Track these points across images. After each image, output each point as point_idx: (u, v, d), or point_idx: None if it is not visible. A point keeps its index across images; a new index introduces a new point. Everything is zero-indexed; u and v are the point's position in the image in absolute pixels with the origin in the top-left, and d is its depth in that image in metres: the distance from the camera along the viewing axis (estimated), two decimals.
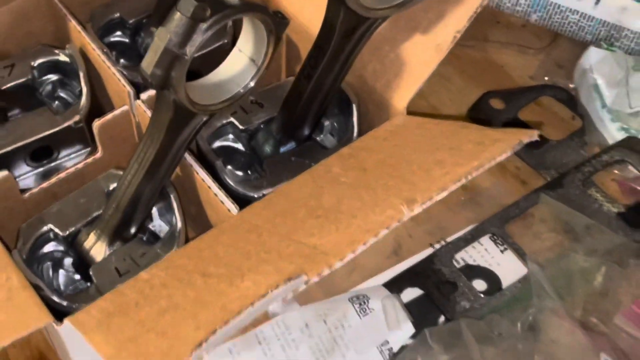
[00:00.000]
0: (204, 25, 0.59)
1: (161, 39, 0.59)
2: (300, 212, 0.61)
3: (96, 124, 0.74)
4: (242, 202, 0.68)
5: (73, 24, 0.79)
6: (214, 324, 0.52)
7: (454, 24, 0.70)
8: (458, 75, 0.88)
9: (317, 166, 0.68)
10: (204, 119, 0.65)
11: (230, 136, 0.78)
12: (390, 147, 0.65)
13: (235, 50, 0.68)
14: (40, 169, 0.79)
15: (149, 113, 0.73)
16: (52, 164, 0.80)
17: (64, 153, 0.79)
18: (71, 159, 0.80)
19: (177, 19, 0.58)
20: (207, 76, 0.66)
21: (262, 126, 0.77)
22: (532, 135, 0.62)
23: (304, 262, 0.55)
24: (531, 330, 0.71)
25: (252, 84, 0.67)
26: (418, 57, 0.71)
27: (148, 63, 0.60)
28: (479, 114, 0.88)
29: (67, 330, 0.61)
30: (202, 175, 0.70)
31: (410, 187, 0.58)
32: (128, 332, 0.55)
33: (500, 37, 0.94)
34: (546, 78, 0.90)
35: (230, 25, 0.82)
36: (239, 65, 0.67)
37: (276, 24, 0.65)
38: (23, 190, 0.73)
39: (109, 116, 0.74)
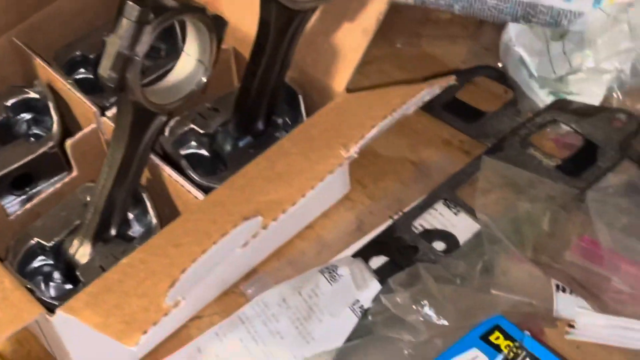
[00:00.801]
0: (149, 27, 0.63)
1: (112, 44, 0.62)
2: (257, 182, 0.64)
3: (68, 143, 0.77)
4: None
5: (38, 61, 0.83)
6: None
7: (375, 7, 0.73)
8: (397, 70, 0.92)
9: (271, 147, 0.71)
10: (164, 118, 0.68)
11: (193, 143, 0.81)
12: (331, 118, 0.69)
13: (183, 54, 0.71)
14: (24, 196, 0.82)
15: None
16: (34, 190, 0.82)
17: (43, 180, 0.82)
18: (51, 185, 0.83)
19: (125, 24, 0.61)
20: (161, 81, 0.70)
21: (219, 129, 0.81)
22: (449, 80, 0.66)
23: (261, 210, 0.58)
24: (486, 272, 0.74)
25: (203, 79, 0.71)
26: (349, 43, 0.75)
27: (104, 68, 0.63)
28: None
29: (59, 321, 0.64)
30: (168, 171, 0.73)
31: (347, 139, 0.62)
32: (113, 303, 0.58)
33: (431, 32, 0.98)
34: (477, 63, 0.94)
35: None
36: (189, 67, 0.70)
37: (217, 25, 0.69)
38: (8, 215, 0.77)
39: (79, 135, 0.77)
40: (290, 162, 0.64)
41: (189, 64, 0.71)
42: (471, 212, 0.81)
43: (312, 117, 0.72)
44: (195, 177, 0.75)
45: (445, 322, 0.67)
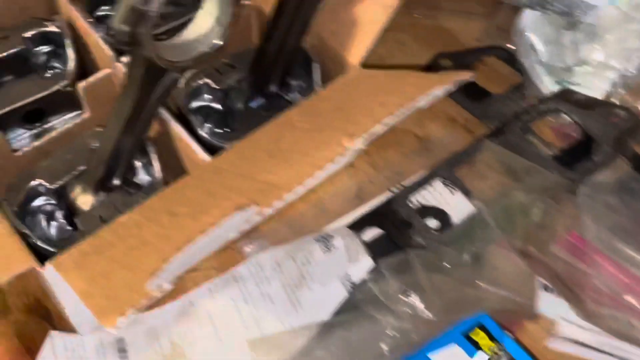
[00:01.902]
0: None
1: None
2: (260, 154, 0.54)
3: (80, 85, 0.67)
4: (216, 153, 0.62)
5: None
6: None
7: None
8: (413, 41, 0.81)
9: (280, 116, 0.61)
10: (176, 76, 0.59)
11: (206, 96, 0.71)
12: (343, 96, 0.59)
13: (200, 11, 0.61)
14: (34, 131, 0.73)
15: None
16: (45, 126, 0.73)
17: (55, 116, 0.73)
18: (63, 122, 0.73)
19: None
20: (175, 36, 0.59)
21: (234, 85, 0.70)
22: (466, 76, 0.55)
23: (257, 195, 0.48)
24: (476, 260, 0.65)
25: (220, 42, 0.60)
26: (368, 16, 0.65)
27: (117, 20, 0.53)
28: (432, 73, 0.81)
29: (50, 274, 0.55)
30: (178, 129, 0.63)
31: (353, 125, 0.52)
32: (100, 269, 0.49)
33: (448, 5, 0.87)
34: (490, 42, 0.83)
35: None
36: (206, 25, 0.61)
37: None
38: (16, 150, 0.67)
39: (92, 78, 0.68)
40: (296, 138, 0.55)
41: (205, 22, 0.61)
42: (467, 193, 0.73)
43: (323, 90, 0.62)
44: (203, 134, 0.65)
45: (431, 315, 0.59)
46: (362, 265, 0.65)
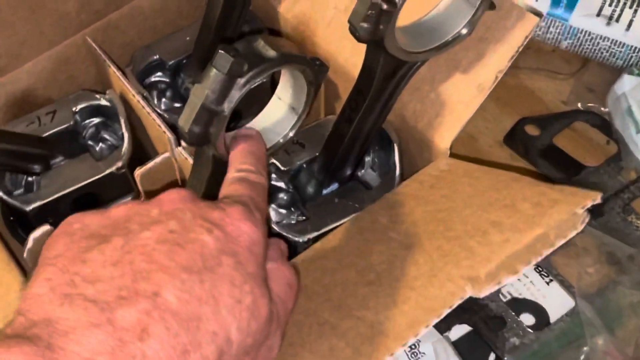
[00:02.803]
0: (241, 81, 0.47)
1: (197, 96, 0.47)
2: (350, 273, 0.47)
3: (138, 172, 0.61)
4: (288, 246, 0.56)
5: (112, 69, 0.67)
6: None
7: (495, 63, 0.57)
8: (493, 102, 0.74)
9: (363, 214, 0.54)
10: None
11: (273, 175, 0.65)
12: (438, 197, 0.51)
13: (274, 98, 0.55)
14: None
15: (190, 159, 0.61)
16: None
17: (107, 199, 0.67)
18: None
19: (214, 75, 0.46)
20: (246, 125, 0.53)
21: (304, 166, 0.64)
22: (595, 199, 0.47)
23: (361, 343, 0.41)
24: None
25: (291, 133, 0.55)
26: (459, 96, 0.58)
27: (185, 120, 0.48)
28: (515, 141, 0.74)
29: None
30: None
31: (468, 254, 0.44)
32: None
33: (531, 63, 0.79)
34: (579, 104, 0.76)
35: None
36: (279, 114, 0.55)
37: (315, 72, 0.52)
38: None
39: (150, 164, 0.62)
40: (391, 256, 0.47)
41: (279, 109, 0.55)
42: (564, 283, 0.66)
43: (410, 182, 0.56)
44: (274, 227, 0.59)
45: None
46: None
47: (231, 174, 0.45)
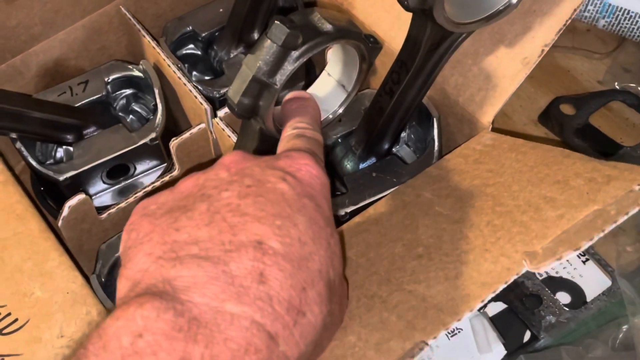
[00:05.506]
0: (295, 54, 0.47)
1: (250, 67, 0.47)
2: (396, 246, 0.47)
3: (173, 143, 0.62)
4: None
5: (147, 39, 0.67)
6: None
7: (541, 36, 0.57)
8: (527, 81, 0.74)
9: (404, 188, 0.54)
10: None
11: None
12: (484, 172, 0.52)
13: (324, 74, 0.56)
14: (117, 186, 0.67)
15: (227, 130, 0.61)
16: (129, 181, 0.68)
17: (139, 169, 0.67)
18: (147, 175, 0.68)
19: (267, 46, 0.46)
20: None
21: (340, 140, 0.64)
22: None
23: (414, 317, 0.42)
24: (625, 349, 0.58)
25: (340, 110, 0.55)
26: (503, 70, 0.58)
27: (235, 91, 0.48)
28: (550, 120, 0.75)
29: None
30: None
31: (522, 229, 0.45)
32: None
33: (566, 42, 0.80)
34: (616, 84, 0.76)
35: None
36: (328, 90, 0.56)
37: (369, 49, 0.53)
38: (100, 211, 0.61)
39: (186, 135, 0.62)
40: (439, 230, 0.47)
41: (328, 85, 0.56)
42: (601, 262, 0.66)
43: (452, 156, 0.56)
44: None
45: None
46: (494, 355, 0.58)
47: (288, 131, 0.46)
